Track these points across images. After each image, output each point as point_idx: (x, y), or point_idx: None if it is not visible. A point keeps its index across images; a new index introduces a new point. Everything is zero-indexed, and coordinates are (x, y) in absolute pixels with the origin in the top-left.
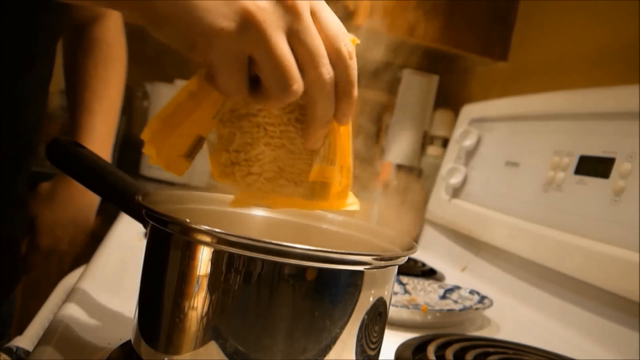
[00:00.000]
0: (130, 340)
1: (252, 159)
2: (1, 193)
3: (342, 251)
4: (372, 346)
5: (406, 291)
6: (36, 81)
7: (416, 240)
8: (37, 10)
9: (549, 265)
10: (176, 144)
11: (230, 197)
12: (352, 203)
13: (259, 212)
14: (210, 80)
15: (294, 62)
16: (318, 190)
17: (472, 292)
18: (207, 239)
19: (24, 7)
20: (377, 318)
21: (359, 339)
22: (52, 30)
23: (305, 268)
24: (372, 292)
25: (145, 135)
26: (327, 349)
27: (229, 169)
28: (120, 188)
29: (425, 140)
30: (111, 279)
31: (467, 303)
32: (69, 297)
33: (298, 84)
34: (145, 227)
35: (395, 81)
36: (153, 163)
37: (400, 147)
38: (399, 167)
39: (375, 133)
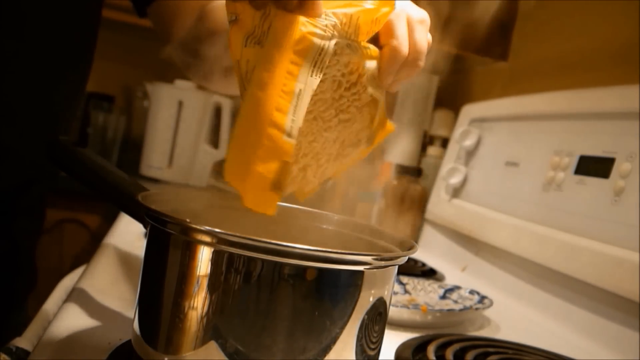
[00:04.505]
0: (130, 340)
1: (320, 152)
2: (17, 203)
3: (342, 251)
4: (372, 346)
5: (406, 291)
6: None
7: (416, 240)
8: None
9: (549, 265)
10: (259, 175)
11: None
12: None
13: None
14: None
15: None
16: (376, 129)
17: (472, 292)
18: (207, 239)
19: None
20: (377, 318)
21: (359, 339)
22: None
23: (305, 268)
24: (372, 292)
25: (226, 174)
26: (327, 349)
27: (299, 177)
28: (120, 188)
29: (425, 140)
30: (111, 279)
31: (467, 303)
32: (69, 297)
33: None
34: (145, 227)
35: None
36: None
37: (400, 147)
38: (399, 167)
39: None
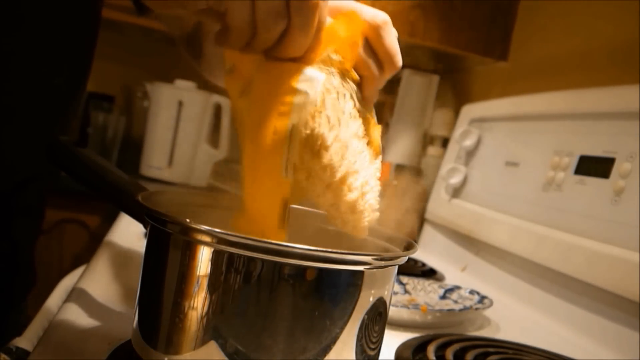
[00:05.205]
0: (130, 340)
1: (366, 176)
2: (15, 202)
3: (342, 251)
4: (372, 346)
5: (406, 291)
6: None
7: (416, 240)
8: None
9: (549, 265)
10: (267, 221)
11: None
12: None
13: None
14: (220, 36)
15: None
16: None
17: (472, 292)
18: (207, 239)
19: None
20: (377, 318)
21: (359, 339)
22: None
23: (305, 268)
24: (372, 292)
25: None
26: (327, 349)
27: (364, 207)
28: (120, 188)
29: (425, 140)
30: (111, 279)
31: (467, 303)
32: (69, 297)
33: None
34: (145, 227)
35: (395, 81)
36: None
37: (400, 147)
38: (399, 167)
39: None
